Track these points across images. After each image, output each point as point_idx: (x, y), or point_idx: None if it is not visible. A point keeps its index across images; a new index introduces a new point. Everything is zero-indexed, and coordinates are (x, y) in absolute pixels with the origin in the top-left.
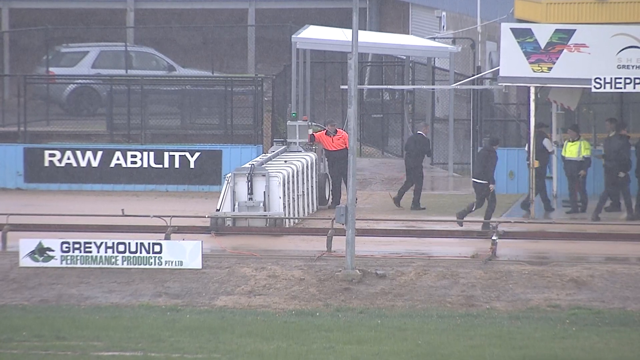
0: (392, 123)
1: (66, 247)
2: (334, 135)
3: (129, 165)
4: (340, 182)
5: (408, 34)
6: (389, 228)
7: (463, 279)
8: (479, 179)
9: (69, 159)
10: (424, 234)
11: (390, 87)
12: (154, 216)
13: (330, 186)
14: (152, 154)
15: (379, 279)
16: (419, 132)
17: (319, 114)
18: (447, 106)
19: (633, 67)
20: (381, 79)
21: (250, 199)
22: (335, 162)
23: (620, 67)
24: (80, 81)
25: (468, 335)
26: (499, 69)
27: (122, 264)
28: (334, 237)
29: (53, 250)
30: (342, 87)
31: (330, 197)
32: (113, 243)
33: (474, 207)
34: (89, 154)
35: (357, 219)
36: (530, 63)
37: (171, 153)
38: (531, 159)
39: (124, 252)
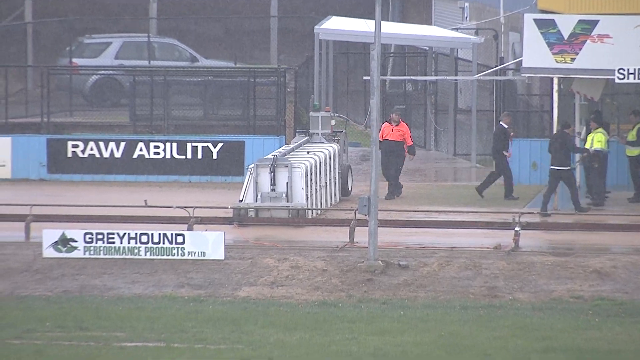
0: (415, 114)
1: (89, 238)
2: (395, 125)
3: (152, 156)
4: (390, 174)
5: (431, 24)
6: (412, 219)
7: (486, 270)
8: (561, 166)
9: (92, 149)
10: (447, 225)
11: (412, 78)
12: (177, 207)
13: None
14: (174, 144)
15: (401, 270)
16: (500, 122)
17: (342, 105)
18: (470, 97)
19: None
20: (404, 69)
21: (273, 189)
22: (387, 153)
23: None
24: (103, 72)
25: (491, 326)
26: (522, 60)
27: (145, 255)
28: (356, 228)
29: (76, 241)
30: (365, 78)
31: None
32: (136, 234)
33: (551, 194)
34: (112, 144)
35: (379, 210)
36: (554, 54)
37: (194, 144)
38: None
39: (147, 242)
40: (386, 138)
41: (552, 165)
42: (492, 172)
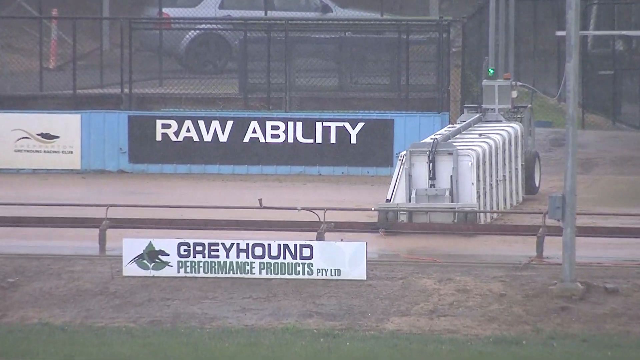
0: (627, 82)
1: (185, 250)
2: None
3: (269, 139)
4: None
5: None
6: (622, 226)
7: None
8: None
9: (188, 131)
10: None
11: (624, 32)
12: (302, 209)
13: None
14: (299, 124)
15: (608, 295)
16: None
17: (526, 71)
18: None
19: None
20: (612, 22)
21: (432, 185)
22: None
23: None
24: (203, 26)
25: None
26: None
27: (260, 273)
28: (546, 237)
29: (167, 254)
30: (558, 33)
31: None
32: (247, 245)
33: None
34: (215, 124)
35: (578, 213)
36: None
37: (325, 124)
38: None
39: (262, 257)
40: None
41: None
42: None
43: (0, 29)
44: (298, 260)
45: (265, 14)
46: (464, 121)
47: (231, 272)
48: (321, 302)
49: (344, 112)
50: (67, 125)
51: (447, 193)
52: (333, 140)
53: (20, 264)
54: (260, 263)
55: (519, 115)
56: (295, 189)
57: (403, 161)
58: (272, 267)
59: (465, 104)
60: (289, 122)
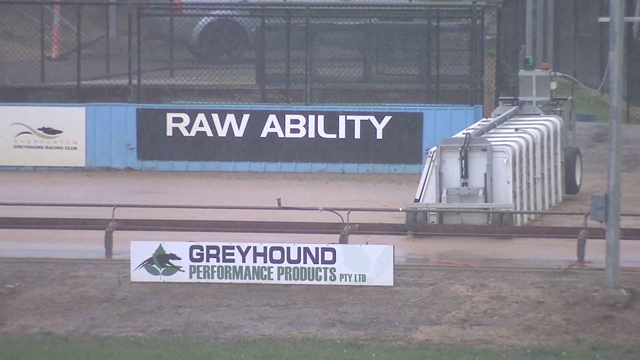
0: None
1: (198, 254)
2: None
3: (288, 134)
4: None
5: None
6: None
7: None
8: None
9: (201, 125)
10: None
11: None
12: (324, 209)
13: None
14: (321, 118)
15: None
16: None
17: (567, 60)
18: None
19: None
20: None
21: (465, 184)
22: None
23: None
24: (217, 12)
25: None
26: None
27: (278, 279)
28: (588, 240)
29: (179, 258)
30: (601, 19)
31: None
32: (265, 248)
33: None
34: (230, 118)
35: (622, 214)
36: None
37: (349, 117)
38: None
39: (281, 261)
40: None
41: None
42: None
43: None
44: (320, 265)
45: None
46: (498, 115)
47: (247, 277)
48: (344, 310)
49: (369, 105)
50: (71, 119)
51: (481, 192)
52: (357, 135)
53: (20, 269)
54: (278, 268)
55: (558, 109)
56: (316, 188)
57: (433, 158)
58: (291, 272)
59: (500, 96)
60: (309, 116)
